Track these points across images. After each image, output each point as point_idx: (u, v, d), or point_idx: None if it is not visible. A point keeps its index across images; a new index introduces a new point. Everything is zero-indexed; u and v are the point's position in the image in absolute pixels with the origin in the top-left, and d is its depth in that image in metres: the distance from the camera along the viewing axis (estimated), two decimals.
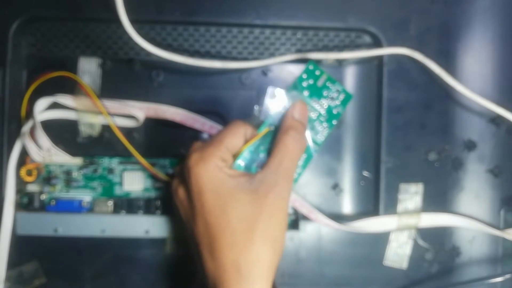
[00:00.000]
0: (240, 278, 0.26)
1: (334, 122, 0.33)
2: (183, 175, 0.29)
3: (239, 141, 0.30)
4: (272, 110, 0.32)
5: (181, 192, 0.29)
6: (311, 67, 0.33)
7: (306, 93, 0.33)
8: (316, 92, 0.33)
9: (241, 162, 0.30)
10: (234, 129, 0.30)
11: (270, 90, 0.32)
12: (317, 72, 0.33)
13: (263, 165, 0.29)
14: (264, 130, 0.31)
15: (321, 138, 0.33)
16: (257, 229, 0.26)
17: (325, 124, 0.33)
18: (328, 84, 0.33)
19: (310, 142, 0.32)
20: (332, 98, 0.33)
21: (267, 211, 0.26)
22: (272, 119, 0.32)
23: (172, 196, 0.30)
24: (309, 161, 0.32)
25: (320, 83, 0.33)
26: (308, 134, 0.32)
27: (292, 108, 0.31)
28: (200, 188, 0.27)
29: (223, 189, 0.27)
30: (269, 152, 0.30)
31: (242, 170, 0.30)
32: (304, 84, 0.33)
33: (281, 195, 0.27)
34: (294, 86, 0.33)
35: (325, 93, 0.33)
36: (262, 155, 0.31)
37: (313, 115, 0.33)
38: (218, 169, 0.27)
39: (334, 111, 0.33)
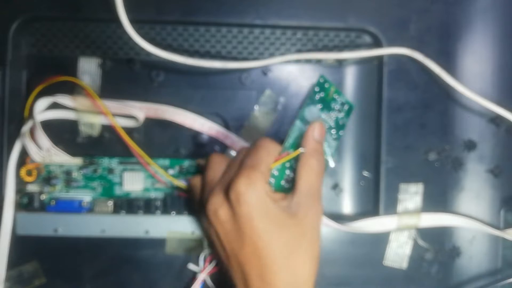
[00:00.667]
0: None
1: (341, 133, 0.34)
2: (224, 197, 0.29)
3: (272, 160, 0.30)
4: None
5: (223, 214, 0.29)
6: (321, 80, 0.33)
7: (319, 106, 0.33)
8: (327, 105, 0.33)
9: (272, 180, 0.30)
10: (269, 149, 0.30)
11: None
12: (327, 85, 0.33)
13: (291, 184, 0.31)
14: (296, 151, 0.31)
15: (331, 150, 0.34)
16: (304, 250, 0.29)
17: (334, 136, 0.34)
18: (335, 96, 0.33)
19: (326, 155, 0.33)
20: (339, 110, 0.34)
21: (309, 233, 0.29)
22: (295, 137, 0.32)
23: (207, 214, 0.30)
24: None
25: (329, 96, 0.33)
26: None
27: (312, 129, 0.31)
28: (251, 213, 0.28)
29: (271, 214, 0.28)
30: (294, 169, 0.31)
31: (273, 188, 0.30)
32: (317, 97, 0.33)
33: (317, 215, 0.30)
34: (311, 101, 0.33)
35: (333, 105, 0.33)
36: (288, 172, 0.31)
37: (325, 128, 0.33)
38: (266, 194, 0.28)
39: (340, 123, 0.34)
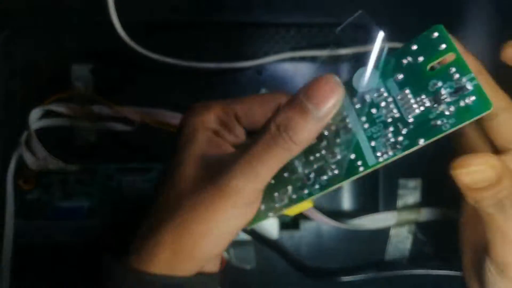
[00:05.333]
0: None
1: (421, 142, 0.19)
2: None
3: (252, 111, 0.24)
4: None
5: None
6: (435, 34, 0.20)
7: (400, 77, 0.20)
8: (418, 81, 0.19)
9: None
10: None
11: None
12: (443, 46, 0.19)
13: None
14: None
15: (377, 158, 0.20)
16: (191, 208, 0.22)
17: (400, 139, 0.19)
18: (452, 71, 0.19)
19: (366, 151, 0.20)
20: (447, 98, 0.19)
21: (200, 197, 0.22)
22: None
23: None
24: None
25: (435, 65, 0.19)
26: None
27: (305, 85, 0.20)
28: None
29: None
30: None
31: None
32: (404, 61, 0.20)
33: (224, 187, 0.21)
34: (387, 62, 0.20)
35: (433, 85, 0.19)
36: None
37: (387, 113, 0.20)
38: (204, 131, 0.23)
39: (435, 123, 0.19)
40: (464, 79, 0.18)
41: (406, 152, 0.19)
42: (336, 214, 0.35)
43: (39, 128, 0.34)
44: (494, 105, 0.20)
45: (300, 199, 0.22)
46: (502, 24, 0.36)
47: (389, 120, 0.20)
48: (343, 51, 0.35)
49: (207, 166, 0.22)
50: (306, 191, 0.22)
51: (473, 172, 0.19)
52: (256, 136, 0.21)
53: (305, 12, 0.35)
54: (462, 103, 0.18)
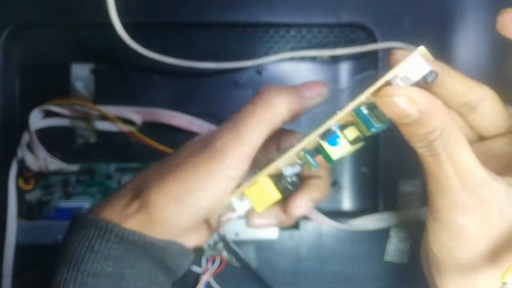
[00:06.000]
0: None
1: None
2: None
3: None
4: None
5: None
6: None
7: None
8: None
9: None
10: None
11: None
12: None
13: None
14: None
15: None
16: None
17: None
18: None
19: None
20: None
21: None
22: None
23: None
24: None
25: None
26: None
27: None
28: None
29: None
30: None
31: None
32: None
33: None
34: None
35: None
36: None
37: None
38: None
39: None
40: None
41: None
42: (336, 214, 0.35)
43: (39, 128, 0.34)
44: (473, 97, 0.23)
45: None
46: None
47: None
48: (342, 51, 0.35)
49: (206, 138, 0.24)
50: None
51: (392, 103, 0.19)
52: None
53: (305, 12, 0.35)
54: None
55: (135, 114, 0.35)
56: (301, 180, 0.26)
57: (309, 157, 0.23)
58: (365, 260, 0.37)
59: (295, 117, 0.24)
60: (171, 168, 0.23)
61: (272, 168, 0.23)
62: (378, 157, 0.36)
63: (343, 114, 0.21)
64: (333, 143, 0.22)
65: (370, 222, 0.35)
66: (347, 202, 0.37)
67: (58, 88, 0.34)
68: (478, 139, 0.25)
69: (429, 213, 0.22)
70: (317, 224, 0.36)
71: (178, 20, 0.35)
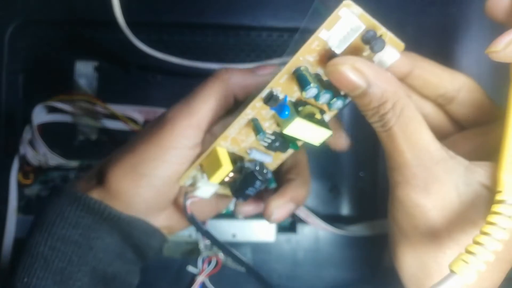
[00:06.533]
0: None
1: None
2: None
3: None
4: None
5: None
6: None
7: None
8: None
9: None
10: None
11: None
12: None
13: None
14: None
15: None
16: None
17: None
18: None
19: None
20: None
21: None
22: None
23: None
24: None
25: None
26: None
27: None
28: None
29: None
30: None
31: None
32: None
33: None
34: None
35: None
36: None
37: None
38: None
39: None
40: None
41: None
42: (334, 219, 0.35)
43: (41, 123, 0.34)
44: (450, 87, 0.22)
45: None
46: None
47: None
48: None
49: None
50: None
51: (338, 73, 0.19)
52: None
53: (306, 15, 0.36)
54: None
55: (137, 112, 0.35)
56: (278, 181, 0.26)
57: (258, 125, 0.22)
58: (362, 265, 0.37)
59: (247, 91, 0.25)
60: (128, 144, 0.25)
61: (225, 135, 0.23)
62: (377, 162, 0.36)
63: (282, 73, 0.20)
64: (282, 114, 0.21)
65: (368, 228, 0.35)
66: (345, 207, 0.37)
67: (61, 84, 0.34)
68: (459, 131, 0.24)
69: (390, 192, 0.21)
70: (315, 228, 0.36)
71: (182, 20, 0.35)
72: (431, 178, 0.19)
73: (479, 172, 0.19)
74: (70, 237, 0.23)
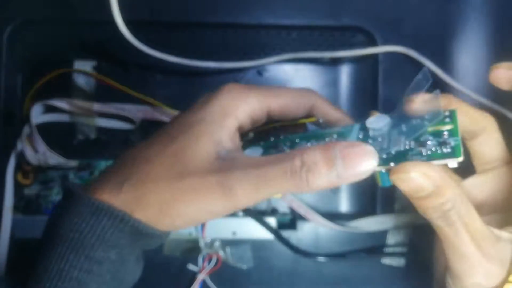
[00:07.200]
0: None
1: (391, 164, 0.22)
2: None
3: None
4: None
5: None
6: (447, 114, 0.22)
7: (403, 128, 0.23)
8: (414, 133, 0.22)
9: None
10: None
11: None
12: (448, 127, 0.22)
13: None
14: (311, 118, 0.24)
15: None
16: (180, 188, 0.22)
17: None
18: (445, 134, 0.22)
19: None
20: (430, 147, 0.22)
21: (194, 183, 0.22)
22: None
23: None
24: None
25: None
26: None
27: (347, 143, 0.21)
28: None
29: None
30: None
31: None
32: (414, 121, 0.23)
33: (220, 188, 0.22)
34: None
35: (425, 139, 0.22)
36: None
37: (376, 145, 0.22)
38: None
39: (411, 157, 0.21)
40: (451, 140, 0.21)
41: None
42: (334, 216, 0.36)
43: (40, 123, 0.34)
44: (475, 126, 0.24)
45: None
46: (501, 26, 0.37)
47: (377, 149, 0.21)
48: (342, 54, 0.35)
49: (221, 157, 0.22)
50: None
51: (408, 179, 0.20)
52: (274, 155, 0.21)
53: (307, 15, 0.36)
54: (439, 151, 0.21)
55: (134, 112, 0.35)
56: None
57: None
58: (362, 262, 0.37)
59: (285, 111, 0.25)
60: (159, 161, 0.22)
61: None
62: None
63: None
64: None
65: (367, 225, 0.36)
66: (344, 205, 0.37)
67: (60, 83, 0.34)
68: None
69: (449, 277, 0.23)
70: (314, 225, 0.36)
71: (181, 19, 0.35)
72: (495, 262, 0.22)
73: None
74: (108, 258, 0.22)
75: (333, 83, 0.37)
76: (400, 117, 0.23)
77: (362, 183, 0.37)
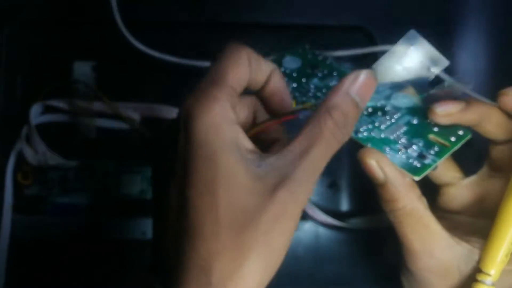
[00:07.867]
0: None
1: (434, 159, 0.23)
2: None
3: (243, 74, 0.22)
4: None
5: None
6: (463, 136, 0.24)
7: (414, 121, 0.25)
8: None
9: None
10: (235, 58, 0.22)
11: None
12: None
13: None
14: (306, 104, 0.24)
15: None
16: (254, 233, 0.18)
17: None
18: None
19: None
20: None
21: (272, 211, 0.18)
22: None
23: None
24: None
25: None
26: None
27: (351, 80, 0.21)
28: (200, 144, 0.19)
29: (233, 158, 0.19)
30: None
31: None
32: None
33: (295, 194, 0.19)
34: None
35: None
36: None
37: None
38: (229, 125, 0.19)
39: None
40: (430, 158, 0.23)
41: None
42: (335, 214, 0.35)
43: (39, 123, 0.34)
44: (506, 135, 0.26)
45: None
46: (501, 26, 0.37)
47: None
48: (342, 53, 0.35)
49: (257, 171, 0.19)
50: None
51: (366, 163, 0.23)
52: (300, 135, 0.20)
53: (306, 14, 0.36)
54: (411, 160, 0.23)
55: (133, 110, 0.35)
56: None
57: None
58: (363, 261, 0.37)
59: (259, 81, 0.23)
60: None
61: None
62: None
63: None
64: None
65: (368, 222, 0.35)
66: (345, 203, 0.37)
67: (59, 84, 0.34)
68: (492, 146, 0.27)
69: (405, 261, 0.26)
70: (315, 224, 0.36)
71: (180, 19, 0.35)
72: (440, 263, 0.24)
73: (477, 253, 0.24)
74: None
75: None
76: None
77: (362, 183, 0.37)
